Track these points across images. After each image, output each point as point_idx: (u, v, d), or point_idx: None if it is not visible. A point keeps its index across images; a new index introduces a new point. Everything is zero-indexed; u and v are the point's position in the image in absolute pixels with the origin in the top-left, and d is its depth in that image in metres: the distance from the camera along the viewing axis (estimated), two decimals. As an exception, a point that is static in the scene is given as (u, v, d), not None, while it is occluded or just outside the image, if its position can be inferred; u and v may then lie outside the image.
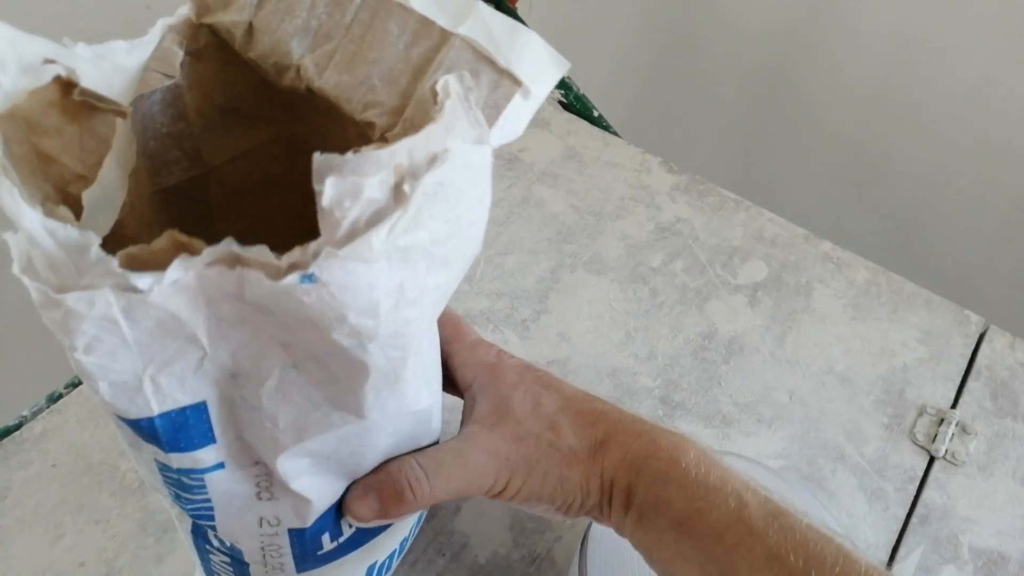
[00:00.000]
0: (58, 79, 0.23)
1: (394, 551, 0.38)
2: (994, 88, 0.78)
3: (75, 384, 0.51)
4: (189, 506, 0.29)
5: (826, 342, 0.58)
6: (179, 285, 0.21)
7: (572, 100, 0.73)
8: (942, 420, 0.54)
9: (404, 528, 0.38)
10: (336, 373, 0.25)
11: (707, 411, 0.53)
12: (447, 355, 0.37)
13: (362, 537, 0.34)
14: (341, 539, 0.33)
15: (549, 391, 0.35)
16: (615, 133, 0.73)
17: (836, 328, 0.59)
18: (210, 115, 0.29)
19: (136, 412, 0.24)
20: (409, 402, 0.29)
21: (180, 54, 0.27)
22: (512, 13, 0.72)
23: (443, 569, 0.44)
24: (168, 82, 0.27)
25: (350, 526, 0.33)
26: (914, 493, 0.51)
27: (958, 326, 0.60)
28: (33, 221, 0.20)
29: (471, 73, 0.25)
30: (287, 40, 0.26)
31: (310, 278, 0.21)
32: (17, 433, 0.48)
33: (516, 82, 0.26)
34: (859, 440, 0.53)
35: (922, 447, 0.53)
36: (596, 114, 0.73)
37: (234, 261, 0.21)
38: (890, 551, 0.48)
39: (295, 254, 0.21)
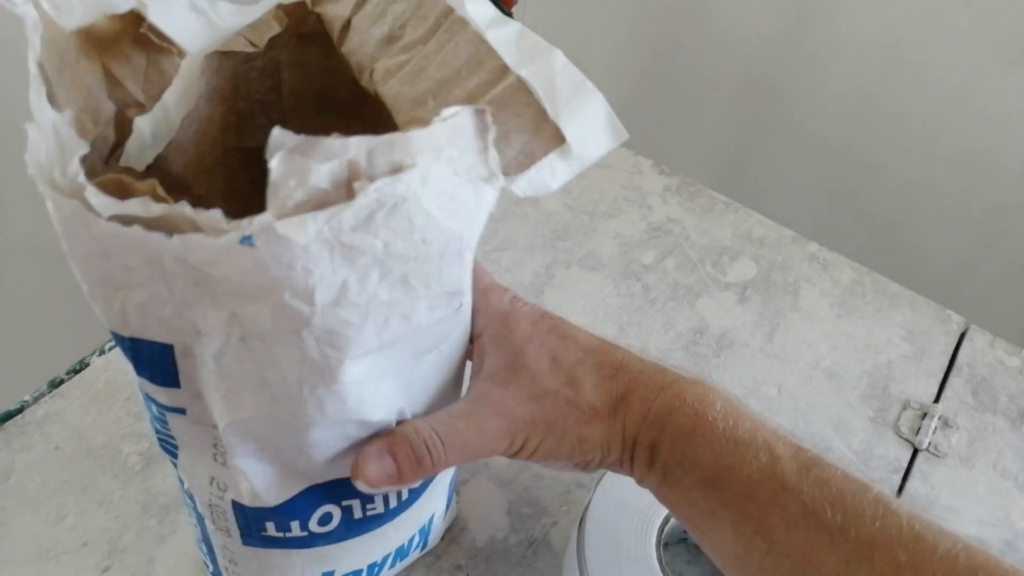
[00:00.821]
0: (132, 11, 0.25)
1: (373, 563, 0.38)
2: (973, 98, 0.80)
3: (76, 370, 0.51)
4: (158, 433, 0.30)
5: (813, 338, 0.59)
6: (132, 233, 0.22)
7: (566, 103, 0.75)
8: (925, 414, 0.55)
9: (365, 555, 0.37)
10: (276, 355, 0.25)
11: (698, 403, 0.54)
12: None
13: (312, 541, 0.34)
14: (288, 534, 0.33)
15: (566, 342, 0.33)
16: (608, 136, 0.74)
17: (823, 325, 0.60)
18: (305, 96, 0.30)
19: (110, 323, 0.25)
20: (352, 409, 0.27)
21: (276, 30, 0.28)
22: (505, 13, 0.74)
23: (442, 552, 0.45)
24: (251, 50, 0.29)
25: (302, 529, 0.33)
26: (899, 483, 0.52)
27: (940, 325, 0.62)
28: (46, 117, 0.21)
29: (515, 115, 0.25)
30: (371, 43, 0.27)
31: (248, 239, 0.21)
32: (19, 417, 0.48)
33: (559, 138, 0.25)
34: (846, 432, 0.54)
35: (906, 439, 0.54)
36: (590, 117, 0.75)
37: (183, 224, 0.22)
38: (875, 538, 0.49)
39: (242, 222, 0.21)
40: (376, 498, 0.34)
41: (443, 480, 0.39)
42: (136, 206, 0.21)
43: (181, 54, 0.26)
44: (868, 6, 0.82)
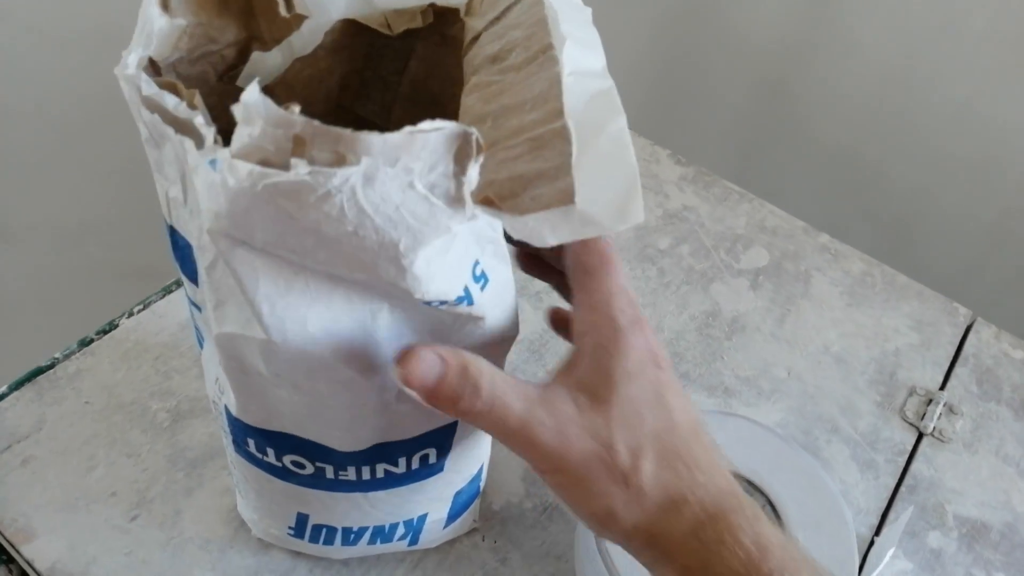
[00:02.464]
0: None
1: (348, 528, 0.39)
2: (982, 105, 0.82)
3: (106, 331, 0.53)
4: (194, 324, 0.33)
5: (823, 325, 0.61)
6: (162, 126, 0.25)
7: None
8: (931, 400, 0.57)
9: (340, 516, 0.38)
10: (240, 276, 0.26)
11: (710, 382, 0.56)
12: (579, 286, 0.31)
13: (285, 475, 0.35)
14: (265, 458, 0.35)
15: (658, 407, 0.30)
16: (626, 125, 0.76)
17: (832, 313, 0.62)
18: (421, 90, 0.32)
19: (163, 208, 0.29)
20: (312, 332, 0.28)
21: (417, 23, 0.31)
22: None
23: (459, 514, 0.47)
24: (385, 31, 0.32)
25: (277, 460, 0.34)
26: (903, 465, 0.53)
27: (947, 316, 0.63)
28: (154, 18, 0.27)
29: (545, 160, 0.24)
30: (481, 58, 0.29)
31: (213, 163, 0.23)
32: (51, 372, 0.50)
33: (569, 195, 0.24)
34: (852, 415, 0.55)
35: (911, 424, 0.55)
36: (608, 106, 0.76)
37: (192, 131, 0.24)
38: (880, 516, 0.50)
39: (220, 147, 0.24)
40: (349, 467, 0.35)
41: (440, 488, 0.39)
42: (166, 100, 0.24)
43: (299, 17, 0.29)
44: (881, 10, 0.83)
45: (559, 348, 0.56)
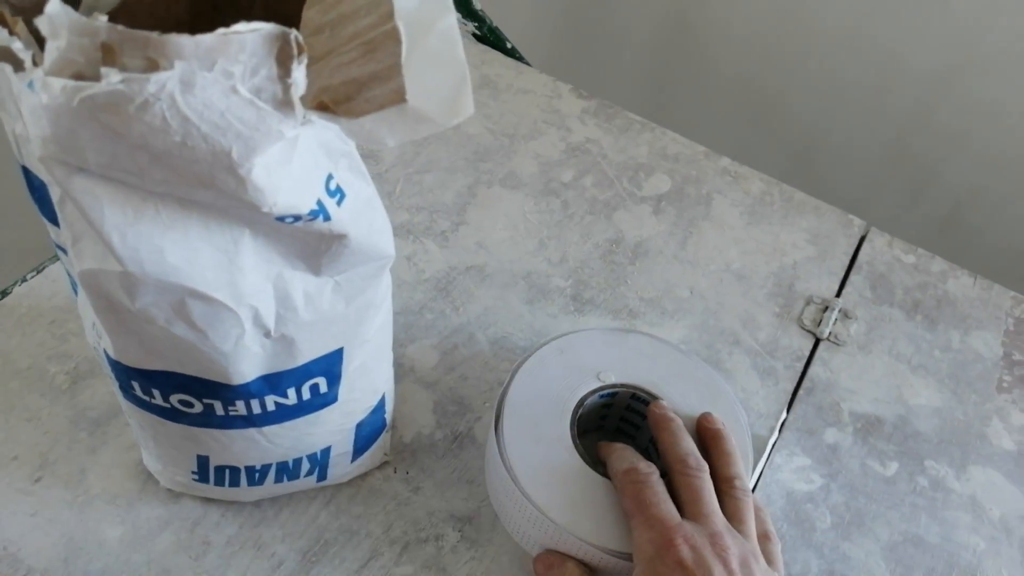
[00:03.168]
0: None
1: (251, 467, 0.40)
2: (864, 36, 0.84)
3: (-2, 299, 0.51)
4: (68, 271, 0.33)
5: (724, 244, 0.62)
6: None
7: (486, 32, 0.76)
8: (827, 307, 0.59)
9: (239, 454, 0.39)
10: (83, 205, 0.27)
11: (615, 306, 0.57)
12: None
13: (176, 416, 0.36)
14: (152, 400, 0.35)
15: None
16: (527, 63, 0.76)
17: (733, 232, 0.63)
18: (275, 16, 0.31)
19: (15, 153, 0.28)
20: (165, 264, 0.28)
21: None
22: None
23: (370, 449, 0.47)
24: None
25: (164, 401, 0.35)
26: (801, 369, 0.56)
27: (843, 228, 0.65)
28: None
29: (377, 62, 0.24)
30: None
31: (31, 85, 0.23)
32: (-59, 344, 0.49)
33: (401, 95, 0.24)
34: (753, 327, 0.57)
35: (808, 331, 0.58)
36: (509, 46, 0.76)
37: (13, 58, 0.23)
38: (779, 419, 0.53)
39: (36, 68, 0.23)
40: (238, 402, 0.35)
41: (338, 420, 0.39)
42: None
43: None
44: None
45: (467, 285, 0.57)
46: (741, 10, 0.91)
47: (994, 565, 0.48)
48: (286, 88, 0.23)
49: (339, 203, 0.29)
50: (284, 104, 0.23)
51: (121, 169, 0.24)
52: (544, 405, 0.45)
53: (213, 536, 0.43)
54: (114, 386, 0.37)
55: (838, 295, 0.60)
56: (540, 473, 0.42)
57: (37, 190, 0.30)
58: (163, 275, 0.28)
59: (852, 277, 0.62)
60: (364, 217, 0.31)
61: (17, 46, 0.23)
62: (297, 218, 0.28)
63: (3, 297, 0.51)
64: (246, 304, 0.31)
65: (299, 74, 0.23)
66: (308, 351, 0.34)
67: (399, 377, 0.51)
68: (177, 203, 0.27)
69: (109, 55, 0.21)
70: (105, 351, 0.34)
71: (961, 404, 0.55)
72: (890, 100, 0.86)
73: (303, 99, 0.24)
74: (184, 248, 0.28)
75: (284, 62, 0.23)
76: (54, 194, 0.28)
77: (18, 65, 0.23)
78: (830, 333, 0.58)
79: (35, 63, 0.22)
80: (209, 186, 0.25)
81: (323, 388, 0.37)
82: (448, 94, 0.24)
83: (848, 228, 0.65)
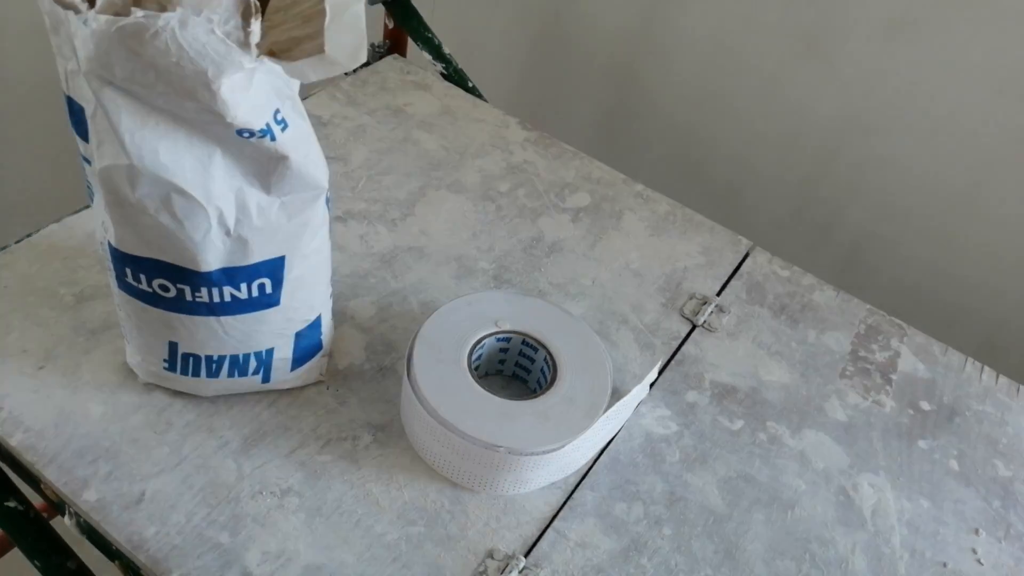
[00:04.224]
0: None
1: (210, 356, 0.51)
2: (781, 86, 0.98)
3: (24, 238, 0.64)
4: (87, 182, 0.45)
5: (627, 249, 0.75)
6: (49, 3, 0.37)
7: (451, 72, 0.90)
8: (705, 302, 0.71)
9: (200, 342, 0.50)
10: (108, 111, 0.39)
11: (528, 286, 0.69)
12: None
13: (155, 300, 0.47)
14: (139, 286, 0.47)
15: None
16: (484, 99, 0.90)
17: (637, 240, 0.76)
18: None
19: (63, 86, 0.41)
20: (154, 163, 0.40)
21: None
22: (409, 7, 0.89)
23: (310, 371, 0.59)
24: None
25: (148, 285, 0.47)
26: (676, 347, 0.67)
27: (732, 246, 0.78)
28: None
29: (304, 19, 0.38)
30: None
31: (85, 21, 0.35)
32: (-25, 266, 0.61)
33: (322, 49, 0.38)
34: (640, 312, 0.69)
35: (687, 318, 0.70)
36: (471, 85, 0.91)
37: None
38: (651, 381, 0.64)
39: (90, 10, 0.36)
40: (202, 288, 0.47)
41: (280, 323, 0.51)
42: None
43: None
44: (700, 9, 1.00)
45: (407, 261, 0.69)
46: (678, 62, 1.05)
47: (811, 502, 0.59)
48: (246, 35, 0.36)
49: (283, 130, 0.42)
50: (244, 45, 0.37)
51: (137, 82, 0.37)
52: (449, 339, 0.57)
53: (175, 419, 0.54)
54: (111, 278, 0.49)
55: (718, 295, 0.73)
56: (436, 385, 0.54)
57: (76, 114, 0.43)
58: (156, 170, 0.41)
59: (733, 282, 0.74)
60: (302, 146, 0.44)
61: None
62: (252, 134, 0.40)
63: (29, 236, 0.64)
64: (214, 204, 0.43)
65: (255, 27, 0.36)
66: (258, 252, 0.47)
67: (340, 321, 0.63)
68: (171, 118, 0.40)
69: (137, 2, 0.34)
70: (109, 243, 0.46)
71: (807, 384, 0.67)
72: (800, 147, 1.00)
73: (259, 46, 0.37)
74: (173, 152, 0.41)
75: (246, 17, 0.36)
76: (88, 111, 0.41)
77: (77, 10, 0.36)
78: (705, 321, 0.69)
79: (90, 6, 0.36)
80: (193, 98, 0.38)
81: (268, 289, 0.49)
82: (351, 50, 0.37)
83: (736, 245, 0.78)
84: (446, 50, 0.90)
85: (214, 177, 0.42)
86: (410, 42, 0.93)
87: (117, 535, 0.48)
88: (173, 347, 0.51)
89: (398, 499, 0.53)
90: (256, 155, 0.42)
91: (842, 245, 1.03)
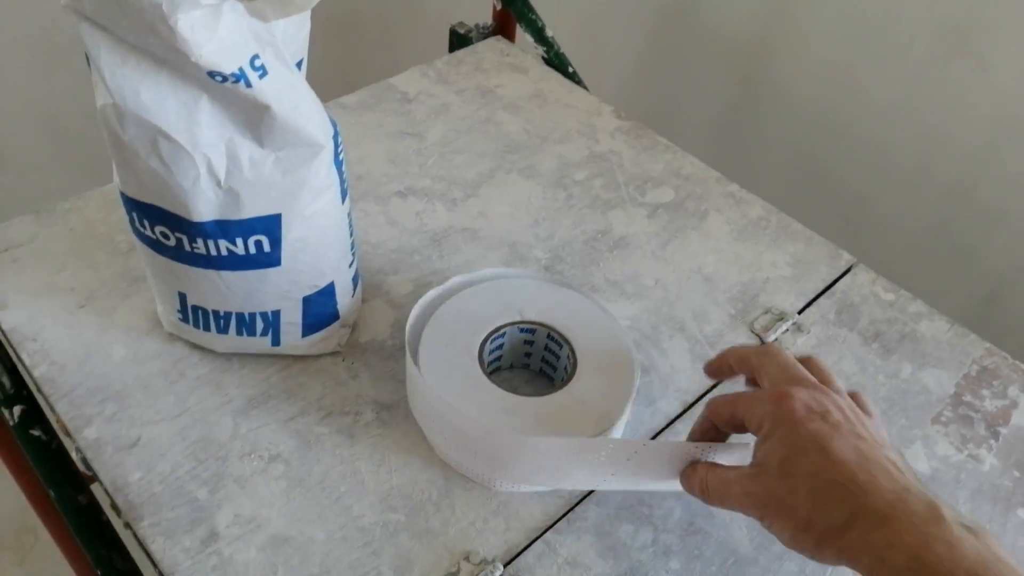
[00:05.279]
0: None
1: (216, 311, 0.51)
2: (925, 83, 0.86)
3: (99, 185, 0.67)
4: None
5: (704, 252, 0.68)
6: None
7: (552, 56, 0.86)
8: (782, 318, 0.63)
9: (205, 295, 0.49)
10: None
11: (580, 280, 0.64)
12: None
13: (161, 248, 0.47)
14: (145, 232, 0.47)
15: (815, 452, 0.39)
16: (584, 86, 0.85)
17: (717, 243, 0.69)
18: None
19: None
20: (145, 101, 0.40)
21: None
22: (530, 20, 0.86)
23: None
24: None
25: (152, 232, 0.47)
26: (735, 363, 0.60)
27: (828, 259, 0.68)
28: None
29: None
30: None
31: None
32: (51, 206, 0.64)
33: None
34: (702, 321, 0.62)
35: (755, 334, 0.62)
36: (571, 70, 0.86)
37: None
38: (697, 396, 0.57)
39: None
40: (198, 239, 0.46)
41: (284, 285, 0.49)
42: None
43: None
44: (829, 16, 0.90)
45: (458, 241, 0.66)
46: (801, 78, 0.96)
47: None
48: None
49: (261, 77, 0.40)
50: None
51: (103, 16, 0.37)
52: (465, 324, 0.53)
53: (188, 371, 0.54)
54: (127, 226, 0.49)
55: (800, 312, 0.64)
56: (442, 369, 0.50)
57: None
58: (138, 110, 0.40)
59: (821, 300, 0.65)
60: (287, 98, 0.42)
61: None
62: (224, 78, 0.39)
63: (103, 186, 0.67)
64: (201, 152, 0.42)
65: None
66: (251, 207, 0.45)
67: (373, 295, 0.61)
68: (153, 59, 0.39)
69: None
70: (119, 189, 0.46)
71: (887, 424, 0.57)
72: (933, 174, 0.88)
73: None
74: (155, 94, 0.40)
75: None
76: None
77: None
78: (776, 340, 0.61)
79: None
80: (155, 34, 0.37)
81: (266, 247, 0.47)
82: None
83: (836, 260, 0.68)
84: (548, 33, 0.86)
85: (200, 123, 0.41)
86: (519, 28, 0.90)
87: (104, 475, 0.49)
88: (183, 297, 0.51)
89: (385, 482, 0.50)
90: (241, 103, 0.41)
91: (981, 281, 0.89)
